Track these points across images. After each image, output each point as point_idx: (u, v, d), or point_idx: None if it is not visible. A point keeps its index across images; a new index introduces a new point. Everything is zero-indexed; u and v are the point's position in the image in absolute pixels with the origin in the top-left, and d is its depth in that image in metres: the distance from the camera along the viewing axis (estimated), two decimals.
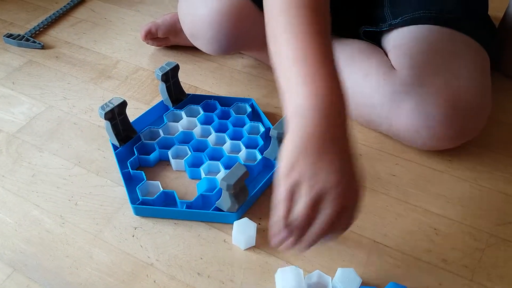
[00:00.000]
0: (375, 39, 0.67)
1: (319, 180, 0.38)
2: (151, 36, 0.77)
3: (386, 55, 0.63)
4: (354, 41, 0.66)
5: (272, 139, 0.57)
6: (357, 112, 0.63)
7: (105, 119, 0.57)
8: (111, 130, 0.58)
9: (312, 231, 0.39)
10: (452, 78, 0.54)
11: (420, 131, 0.56)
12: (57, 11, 0.88)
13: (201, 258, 0.50)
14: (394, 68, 0.59)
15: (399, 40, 0.61)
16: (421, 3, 0.62)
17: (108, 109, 0.57)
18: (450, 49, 0.57)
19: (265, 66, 0.77)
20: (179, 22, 0.76)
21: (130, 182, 0.57)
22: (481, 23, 0.62)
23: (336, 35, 0.69)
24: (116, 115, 0.58)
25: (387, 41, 0.64)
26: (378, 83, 0.58)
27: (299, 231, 0.40)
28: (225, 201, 0.52)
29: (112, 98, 0.58)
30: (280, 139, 0.56)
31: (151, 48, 0.81)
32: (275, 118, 0.67)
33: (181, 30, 0.76)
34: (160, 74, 0.63)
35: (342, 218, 0.39)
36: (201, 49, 0.68)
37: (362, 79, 0.60)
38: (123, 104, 0.58)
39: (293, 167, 0.39)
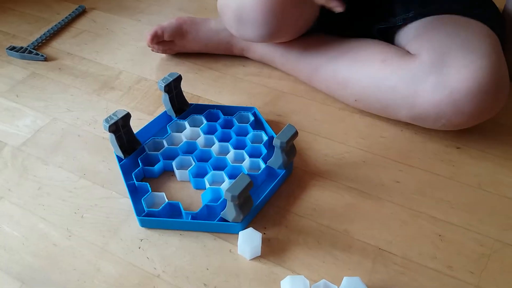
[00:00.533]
0: (389, 37, 0.69)
1: None
2: (157, 40, 0.77)
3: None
4: (370, 39, 0.68)
5: (275, 148, 0.57)
6: (374, 98, 0.64)
7: (109, 131, 0.57)
8: (115, 142, 0.59)
9: None
10: (474, 58, 0.56)
11: (444, 107, 0.57)
12: (58, 23, 0.89)
13: (207, 269, 0.51)
14: (413, 55, 0.61)
15: (417, 31, 0.63)
16: (429, 0, 0.65)
17: (112, 121, 0.57)
18: (468, 33, 0.59)
19: (267, 74, 0.78)
20: (185, 24, 0.77)
21: (135, 193, 0.58)
22: (490, 12, 0.65)
23: (351, 35, 0.71)
24: (120, 127, 0.58)
25: (402, 36, 0.66)
26: (397, 66, 0.61)
27: None
28: (230, 212, 0.53)
29: (116, 111, 0.58)
30: (283, 148, 0.56)
31: (153, 58, 0.81)
32: (278, 126, 0.68)
33: (186, 33, 0.77)
34: (163, 85, 0.63)
35: None
36: (243, 35, 0.68)
37: (380, 64, 0.62)
38: (127, 116, 0.59)
39: None
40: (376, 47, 0.66)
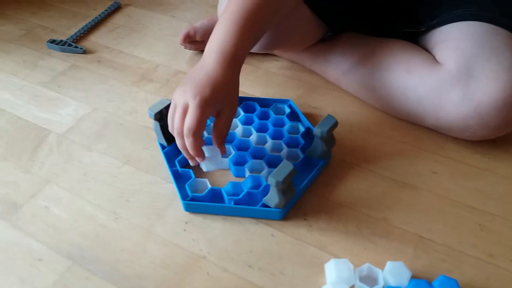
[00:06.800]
0: (413, 39, 0.69)
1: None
2: (190, 40, 0.80)
3: (428, 52, 0.64)
4: (394, 40, 0.68)
5: (315, 137, 0.59)
6: (400, 107, 0.64)
7: (154, 119, 0.59)
8: (159, 130, 0.61)
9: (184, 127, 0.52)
10: (500, 69, 0.56)
11: (469, 120, 0.57)
12: (95, 18, 0.92)
13: (251, 251, 0.52)
14: (439, 63, 0.61)
15: (443, 36, 0.63)
16: (457, 4, 0.64)
17: (157, 110, 0.59)
18: (495, 42, 0.58)
19: (299, 68, 0.79)
20: None
21: (179, 179, 0.59)
22: None
23: (376, 36, 0.71)
24: (164, 116, 0.60)
25: (428, 39, 0.66)
26: (422, 76, 0.60)
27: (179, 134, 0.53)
28: (272, 197, 0.54)
29: (161, 100, 0.61)
30: (323, 137, 0.57)
31: (188, 53, 0.84)
32: (313, 117, 0.69)
33: None
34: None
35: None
36: None
37: (405, 75, 0.62)
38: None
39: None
40: (401, 54, 0.65)
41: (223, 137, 0.56)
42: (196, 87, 0.52)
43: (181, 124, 0.52)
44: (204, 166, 0.56)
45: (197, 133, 0.52)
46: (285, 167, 0.52)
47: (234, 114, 0.56)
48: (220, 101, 0.53)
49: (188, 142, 0.52)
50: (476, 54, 0.58)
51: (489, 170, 0.61)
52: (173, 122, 0.54)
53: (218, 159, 0.56)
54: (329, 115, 0.59)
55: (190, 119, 0.51)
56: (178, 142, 0.54)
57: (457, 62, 0.58)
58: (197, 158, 0.55)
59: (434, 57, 0.63)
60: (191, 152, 0.54)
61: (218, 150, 0.56)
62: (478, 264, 0.50)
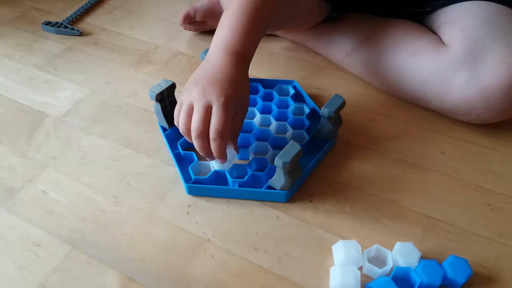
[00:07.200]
0: (419, 19, 0.66)
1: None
2: (190, 20, 0.77)
3: (434, 33, 0.62)
4: (400, 21, 0.66)
5: (321, 117, 0.57)
6: (405, 89, 0.63)
7: (156, 101, 0.57)
8: (160, 112, 0.59)
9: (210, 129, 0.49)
10: (508, 52, 0.54)
11: (475, 103, 0.56)
12: None
13: (256, 234, 0.51)
14: (445, 44, 0.59)
15: (449, 16, 0.61)
16: None
17: (158, 91, 0.57)
18: (502, 22, 0.57)
19: (303, 49, 0.77)
20: (217, 5, 0.77)
21: (181, 162, 0.58)
22: None
23: (381, 16, 0.69)
24: (165, 97, 0.59)
25: (434, 19, 0.64)
26: (428, 59, 0.58)
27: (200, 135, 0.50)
28: (278, 179, 0.53)
29: (162, 81, 0.59)
30: (330, 117, 0.56)
31: (188, 34, 0.81)
32: (318, 98, 0.68)
33: (219, 14, 0.77)
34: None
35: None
36: None
37: (410, 58, 0.60)
38: (172, 87, 0.59)
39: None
40: (406, 35, 0.63)
41: (237, 137, 0.54)
42: (218, 87, 0.49)
43: (203, 125, 0.49)
44: (217, 165, 0.55)
45: (226, 135, 0.49)
46: (292, 148, 0.51)
47: (246, 113, 0.53)
48: (238, 101, 0.51)
49: (216, 145, 0.49)
50: (483, 35, 0.56)
51: (498, 150, 0.60)
52: (187, 123, 0.50)
53: (232, 158, 0.55)
54: (336, 95, 0.57)
55: (217, 121, 0.48)
56: (197, 143, 0.50)
57: (463, 44, 0.56)
58: (219, 160, 0.52)
59: (440, 38, 0.61)
60: (216, 155, 0.51)
61: (233, 150, 0.54)
62: (488, 244, 0.49)
